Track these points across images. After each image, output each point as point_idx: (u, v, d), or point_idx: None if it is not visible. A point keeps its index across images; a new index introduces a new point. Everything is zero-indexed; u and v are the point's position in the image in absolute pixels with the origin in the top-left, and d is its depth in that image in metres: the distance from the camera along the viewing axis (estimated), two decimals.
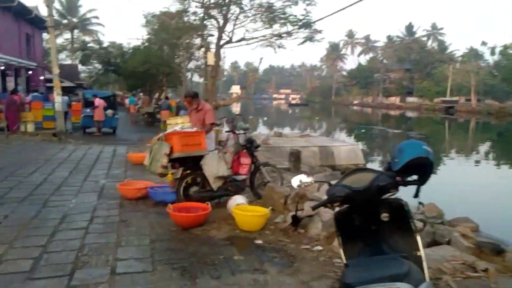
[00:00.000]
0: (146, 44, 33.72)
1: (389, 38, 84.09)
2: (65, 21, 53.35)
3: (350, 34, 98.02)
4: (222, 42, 16.84)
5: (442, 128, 37.24)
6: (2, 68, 26.39)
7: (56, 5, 49.86)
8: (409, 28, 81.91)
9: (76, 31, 55.39)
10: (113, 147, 12.41)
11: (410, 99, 67.27)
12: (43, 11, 30.51)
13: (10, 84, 26.18)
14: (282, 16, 16.31)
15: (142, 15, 29.11)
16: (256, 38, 16.64)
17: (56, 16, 46.13)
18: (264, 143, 13.15)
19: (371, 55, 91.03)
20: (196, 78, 39.37)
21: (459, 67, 58.61)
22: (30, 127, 14.93)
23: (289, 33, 16.69)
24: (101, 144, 13.14)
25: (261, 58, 15.71)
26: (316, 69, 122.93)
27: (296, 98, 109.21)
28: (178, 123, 10.03)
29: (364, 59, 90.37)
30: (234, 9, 16.27)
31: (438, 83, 61.89)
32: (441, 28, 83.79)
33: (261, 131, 21.97)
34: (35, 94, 20.43)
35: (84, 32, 56.07)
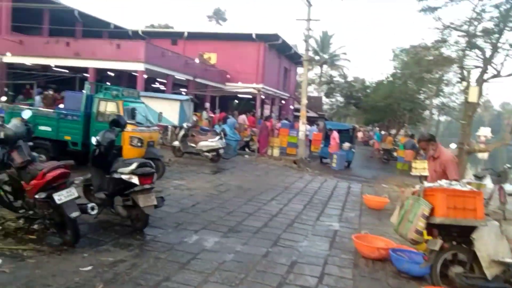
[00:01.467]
0: (390, 78, 32.78)
1: None
2: (317, 57, 58.47)
3: None
4: (486, 75, 14.08)
5: None
6: (263, 97, 30.65)
7: (312, 42, 55.27)
8: None
9: (325, 66, 59.92)
10: (347, 182, 11.84)
11: None
12: (300, 49, 33.98)
13: (266, 112, 30.02)
14: None
15: (391, 50, 28.32)
16: None
17: (310, 53, 51.14)
18: None
19: None
20: (438, 116, 35.34)
21: None
22: (276, 152, 16.15)
23: None
24: (335, 177, 12.82)
25: None
26: None
27: None
28: (426, 168, 8.44)
29: None
30: (508, 35, 13.34)
31: None
32: None
33: None
34: (284, 121, 22.46)
35: (332, 67, 59.99)
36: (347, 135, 18.39)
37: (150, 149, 8.60)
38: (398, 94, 27.13)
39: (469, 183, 8.18)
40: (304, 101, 17.41)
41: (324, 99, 54.70)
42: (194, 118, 19.84)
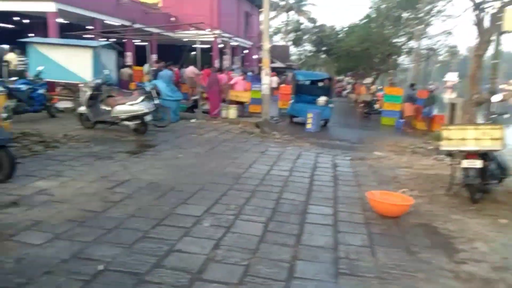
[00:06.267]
0: (365, 20, 29.03)
1: None
2: (282, 3, 53.34)
3: None
4: None
5: None
6: (222, 45, 26.14)
7: None
8: None
9: (291, 12, 54.93)
10: (329, 155, 8.33)
11: None
12: None
13: (226, 63, 25.79)
14: None
15: None
16: None
17: None
18: None
19: None
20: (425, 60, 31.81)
21: None
22: (233, 113, 12.37)
23: None
24: (312, 145, 9.37)
25: None
26: None
27: None
28: (468, 139, 4.99)
29: None
30: None
31: None
32: None
33: None
34: (248, 73, 18.51)
35: (299, 13, 55.12)
36: (323, 86, 14.84)
37: None
38: (375, 37, 23.63)
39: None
40: (267, 45, 13.41)
41: (292, 49, 50.59)
42: (129, 71, 15.65)
